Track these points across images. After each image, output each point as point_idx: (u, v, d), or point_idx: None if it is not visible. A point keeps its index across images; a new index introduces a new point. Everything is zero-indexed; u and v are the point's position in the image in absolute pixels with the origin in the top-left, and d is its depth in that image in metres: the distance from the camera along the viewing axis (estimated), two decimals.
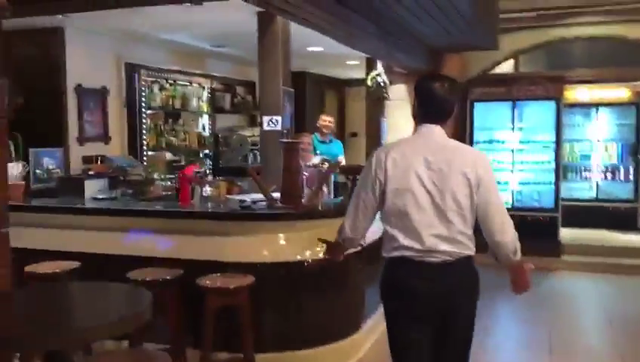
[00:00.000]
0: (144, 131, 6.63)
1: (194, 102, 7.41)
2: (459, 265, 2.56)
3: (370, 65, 7.88)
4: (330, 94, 11.39)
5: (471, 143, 8.25)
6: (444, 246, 2.52)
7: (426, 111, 2.69)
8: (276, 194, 4.21)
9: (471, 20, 6.44)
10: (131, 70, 6.46)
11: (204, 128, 7.81)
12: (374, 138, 7.96)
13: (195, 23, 5.60)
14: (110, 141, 6.28)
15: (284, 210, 4.12)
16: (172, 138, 7.08)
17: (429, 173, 2.54)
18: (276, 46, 4.89)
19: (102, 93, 6.16)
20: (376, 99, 7.94)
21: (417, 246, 2.52)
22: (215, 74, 7.99)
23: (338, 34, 5.64)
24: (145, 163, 6.50)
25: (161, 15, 5.16)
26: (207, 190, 4.67)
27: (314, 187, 4.37)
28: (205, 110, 7.74)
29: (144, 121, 6.59)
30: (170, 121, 7.20)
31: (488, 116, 8.38)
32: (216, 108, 8.06)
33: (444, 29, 6.79)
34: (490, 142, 8.32)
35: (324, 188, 4.58)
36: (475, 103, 8.27)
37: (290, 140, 4.66)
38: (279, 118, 4.92)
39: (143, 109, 6.60)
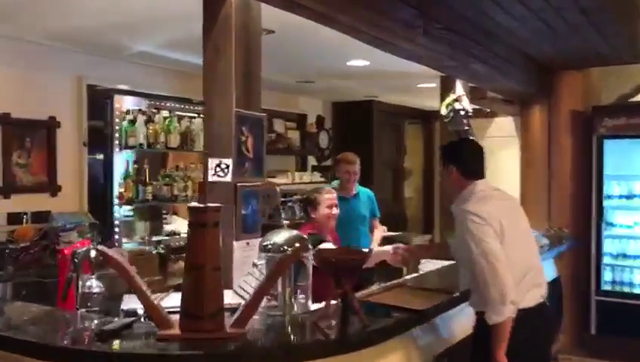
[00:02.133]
0: (118, 179, 4.86)
1: (201, 140, 5.53)
2: None
3: (446, 88, 5.63)
4: (413, 129, 9.15)
5: (599, 197, 5.64)
6: None
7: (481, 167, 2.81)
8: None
9: (591, 11, 3.98)
10: (99, 95, 4.75)
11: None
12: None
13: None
14: (60, 192, 4.55)
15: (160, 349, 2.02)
16: (165, 187, 5.22)
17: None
18: (227, 39, 2.87)
19: (48, 127, 4.46)
20: (456, 133, 5.62)
21: None
22: None
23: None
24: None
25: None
26: (92, 284, 2.68)
27: (253, 294, 2.27)
28: None
29: (115, 165, 4.81)
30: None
31: (626, 159, 5.73)
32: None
33: (548, 27, 4.35)
34: (630, 197, 5.64)
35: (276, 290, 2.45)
36: (605, 140, 5.66)
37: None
38: (229, 163, 2.86)
39: (117, 149, 4.83)
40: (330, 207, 3.70)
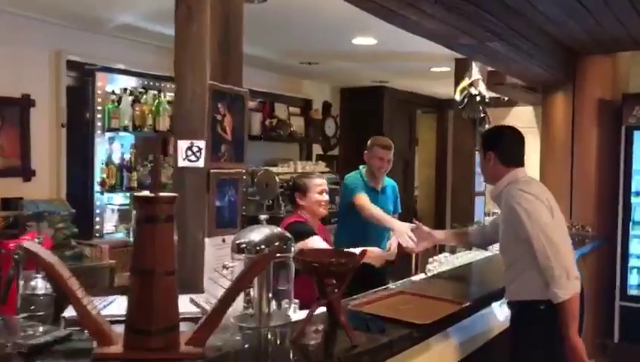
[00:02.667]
0: (99, 163, 4.46)
1: None
2: None
3: (461, 72, 5.16)
4: (426, 119, 8.67)
5: (626, 193, 5.15)
6: None
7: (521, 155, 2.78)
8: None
9: None
10: (80, 72, 4.34)
11: None
12: (463, 181, 5.14)
13: None
14: (33, 177, 4.15)
15: None
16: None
17: None
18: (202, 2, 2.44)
19: (21, 105, 4.06)
20: (471, 122, 5.15)
21: None
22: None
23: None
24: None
25: None
26: (38, 284, 2.28)
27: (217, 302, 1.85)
28: None
29: (97, 148, 4.41)
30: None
31: None
32: None
33: (578, 2, 3.86)
34: None
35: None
36: (636, 132, 5.15)
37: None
38: (202, 145, 2.43)
39: (98, 131, 4.43)
40: (320, 193, 3.30)
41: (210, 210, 2.45)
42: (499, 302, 2.94)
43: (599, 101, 5.42)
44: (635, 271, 5.23)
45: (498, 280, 2.87)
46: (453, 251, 4.85)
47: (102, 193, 4.49)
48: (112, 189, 4.51)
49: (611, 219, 5.24)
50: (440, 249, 6.51)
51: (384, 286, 3.74)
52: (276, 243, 2.19)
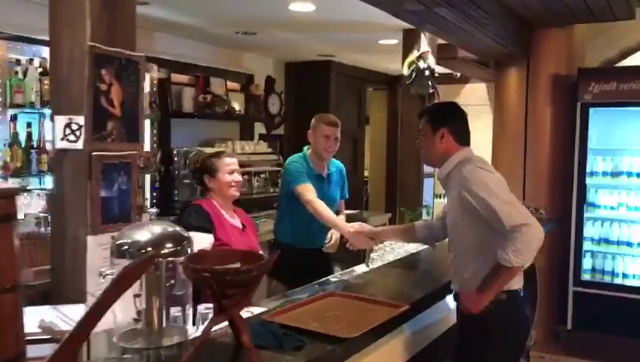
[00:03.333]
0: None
1: None
2: None
3: (409, 44, 4.77)
4: (378, 96, 8.30)
5: (581, 174, 4.89)
6: None
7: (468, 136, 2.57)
8: None
9: None
10: None
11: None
12: (411, 162, 4.78)
13: None
14: None
15: None
16: None
17: None
18: None
19: None
20: (419, 98, 4.78)
21: None
22: (167, 57, 5.17)
23: None
24: None
25: None
26: None
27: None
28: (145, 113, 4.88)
29: None
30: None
31: (613, 131, 4.99)
32: (172, 111, 5.26)
33: None
34: (617, 174, 4.89)
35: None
36: (592, 109, 4.88)
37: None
38: (81, 121, 1.97)
39: None
40: (231, 173, 2.91)
41: (94, 202, 2.00)
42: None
43: (554, 76, 5.14)
44: (588, 255, 5.01)
45: (447, 272, 2.53)
46: None
47: (5, 178, 3.95)
48: (18, 173, 3.97)
49: (565, 201, 4.99)
50: None
51: (325, 278, 3.43)
52: (168, 245, 1.77)
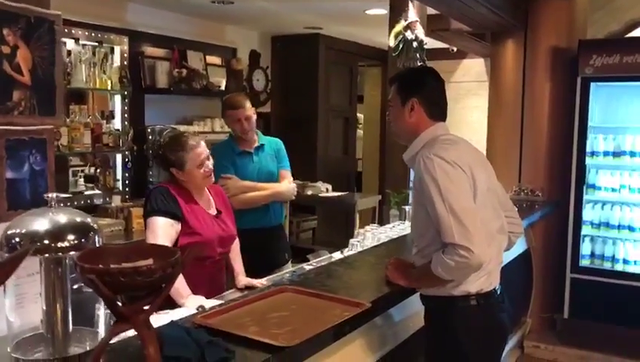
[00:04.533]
0: None
1: (82, 72, 4.28)
2: None
3: (396, 13, 4.43)
4: (372, 73, 7.96)
5: (580, 153, 4.57)
6: None
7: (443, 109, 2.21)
8: None
9: None
10: None
11: (110, 118, 4.65)
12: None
13: None
14: None
15: None
16: None
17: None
18: None
19: None
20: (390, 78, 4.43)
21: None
22: (140, 29, 4.85)
23: None
24: None
25: None
26: None
27: None
28: (115, 88, 4.58)
29: None
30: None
31: (616, 107, 4.66)
32: (145, 87, 4.95)
33: None
34: (618, 154, 4.57)
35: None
36: (593, 84, 4.54)
37: None
38: None
39: None
40: (200, 165, 2.60)
41: None
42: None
43: (553, 49, 4.79)
44: (587, 239, 4.71)
45: None
46: (386, 221, 4.25)
47: None
48: None
49: (564, 183, 4.68)
50: (378, 217, 5.93)
51: (296, 267, 3.20)
52: (70, 238, 1.48)
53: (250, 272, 2.90)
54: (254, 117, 3.32)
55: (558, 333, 4.78)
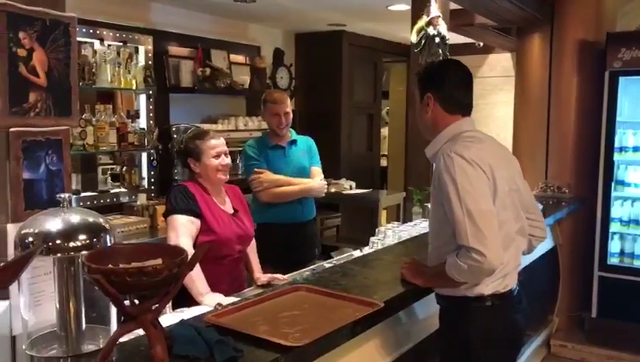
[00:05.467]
0: None
1: (107, 72, 4.34)
2: None
3: (418, 9, 4.39)
4: (398, 69, 7.91)
5: (608, 149, 4.46)
6: None
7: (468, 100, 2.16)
8: None
9: None
10: None
11: (136, 117, 4.71)
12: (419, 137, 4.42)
13: None
14: None
15: None
16: None
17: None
18: None
19: None
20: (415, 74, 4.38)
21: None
22: (164, 28, 4.91)
23: None
24: None
25: None
26: None
27: None
28: (140, 87, 4.64)
29: None
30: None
31: None
32: (170, 86, 5.01)
33: None
34: None
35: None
36: (621, 78, 4.43)
37: None
38: None
39: None
40: (217, 156, 2.66)
41: (14, 185, 1.75)
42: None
43: (580, 43, 4.69)
44: (616, 237, 4.60)
45: None
46: (409, 218, 4.21)
47: None
48: None
49: (591, 179, 4.58)
50: (401, 216, 5.88)
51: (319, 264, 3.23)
52: (81, 237, 1.50)
53: (281, 267, 2.98)
54: (291, 115, 3.46)
55: (585, 333, 4.68)
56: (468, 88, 2.15)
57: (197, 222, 2.58)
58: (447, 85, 2.10)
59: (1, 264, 1.26)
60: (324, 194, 3.62)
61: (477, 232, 1.81)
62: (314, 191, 3.47)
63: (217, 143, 2.67)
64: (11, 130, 1.72)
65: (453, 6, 4.52)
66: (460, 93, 2.12)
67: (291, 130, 3.56)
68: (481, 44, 6.73)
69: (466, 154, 1.92)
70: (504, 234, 1.94)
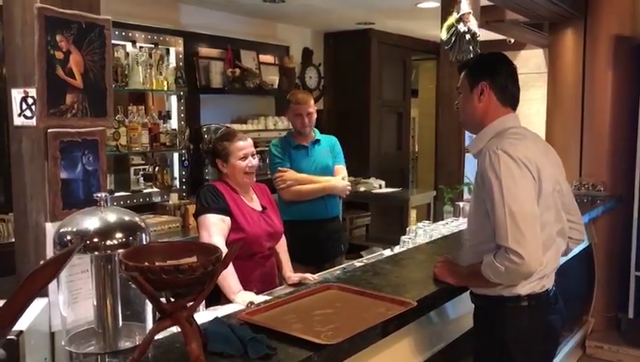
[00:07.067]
0: None
1: (139, 74, 4.41)
2: None
3: (448, 5, 4.35)
4: (427, 67, 7.86)
5: None
6: None
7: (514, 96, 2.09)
8: None
9: None
10: None
11: (167, 118, 4.78)
12: (451, 135, 4.39)
13: None
14: None
15: None
16: None
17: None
18: None
19: None
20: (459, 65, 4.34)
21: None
22: (194, 30, 4.96)
23: None
24: None
25: None
26: None
27: None
28: (171, 88, 4.69)
29: None
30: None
31: None
32: (200, 86, 5.06)
33: None
34: None
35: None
36: None
37: None
38: (33, 92, 1.76)
39: None
40: (243, 158, 2.68)
41: (52, 185, 1.79)
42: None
43: (615, 38, 4.60)
44: None
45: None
46: (440, 217, 4.18)
47: None
48: None
49: (627, 177, 4.49)
50: (432, 215, 5.84)
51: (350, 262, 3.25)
52: (118, 236, 1.53)
53: (307, 262, 3.05)
54: (315, 115, 3.50)
55: (622, 334, 4.59)
56: (516, 81, 2.10)
57: (228, 220, 2.60)
58: (504, 75, 2.04)
59: (41, 262, 1.29)
60: (347, 193, 3.63)
61: (517, 234, 1.78)
62: (336, 189, 3.49)
63: (245, 145, 2.69)
64: (49, 130, 1.76)
65: (484, 2, 4.46)
66: (515, 85, 2.07)
67: (315, 129, 3.61)
68: (512, 40, 6.64)
69: (513, 152, 1.87)
70: (546, 236, 1.90)
